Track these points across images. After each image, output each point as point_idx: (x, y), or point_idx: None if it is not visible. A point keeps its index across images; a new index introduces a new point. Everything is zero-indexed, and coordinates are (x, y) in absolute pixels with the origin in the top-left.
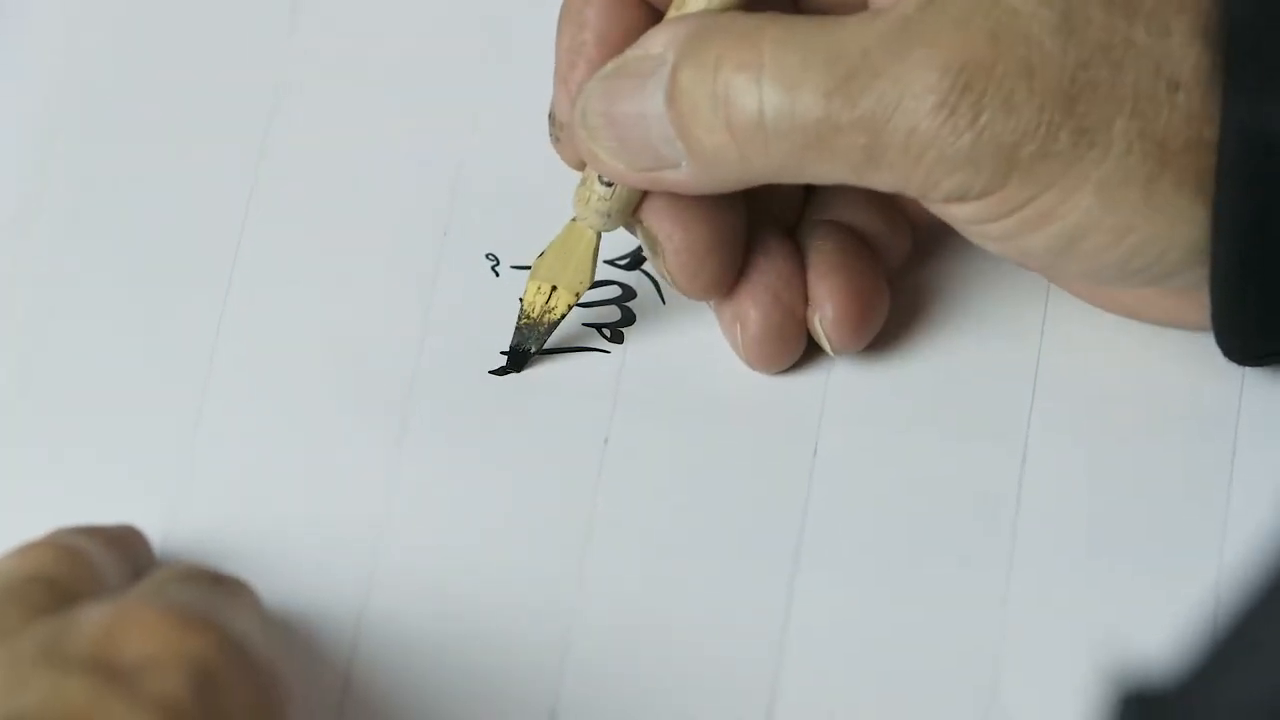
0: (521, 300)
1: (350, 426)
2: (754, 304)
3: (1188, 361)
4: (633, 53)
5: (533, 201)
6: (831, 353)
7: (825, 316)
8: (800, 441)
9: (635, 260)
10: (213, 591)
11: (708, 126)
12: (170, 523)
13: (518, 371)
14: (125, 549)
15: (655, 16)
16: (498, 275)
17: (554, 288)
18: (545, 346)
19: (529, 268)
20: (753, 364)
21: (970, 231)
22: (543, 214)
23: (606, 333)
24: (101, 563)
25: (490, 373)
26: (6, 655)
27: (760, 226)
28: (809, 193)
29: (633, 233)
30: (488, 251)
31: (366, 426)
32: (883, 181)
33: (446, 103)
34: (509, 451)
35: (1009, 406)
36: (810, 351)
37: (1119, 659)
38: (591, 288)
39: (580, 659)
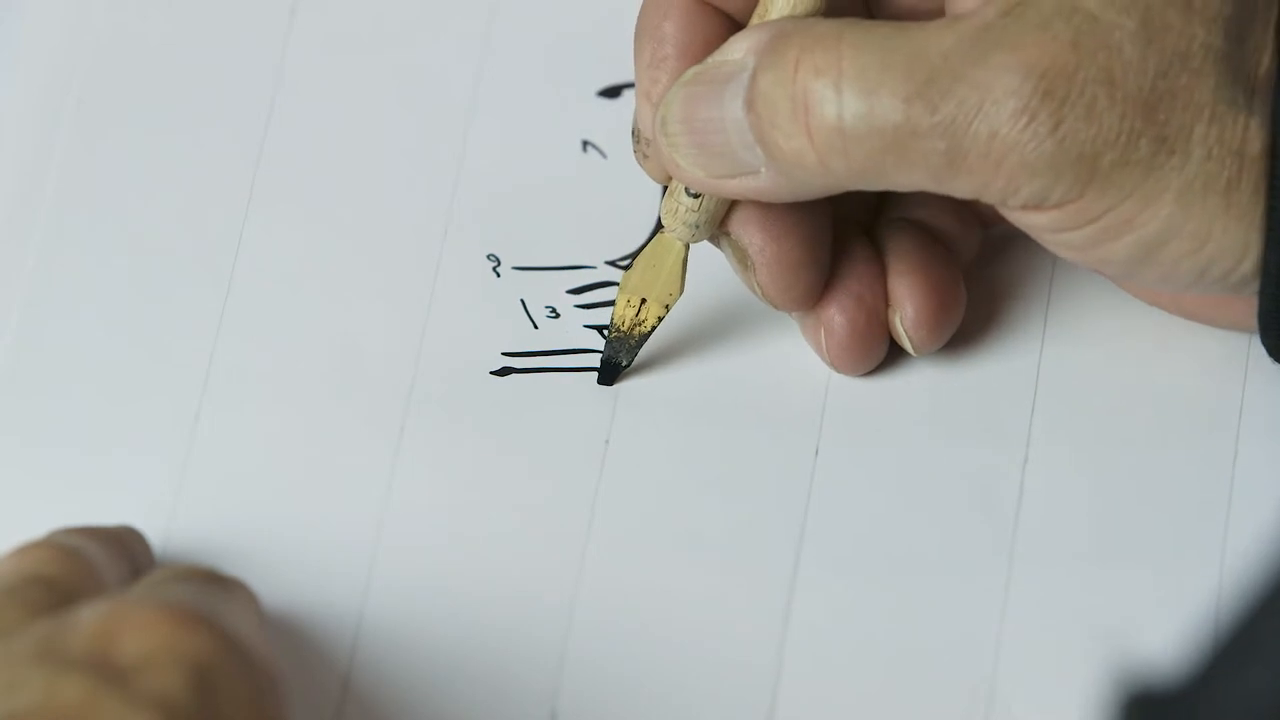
0: (611, 315)
1: (350, 426)
2: (839, 309)
3: (1189, 365)
4: (714, 59)
5: (533, 202)
6: (913, 352)
7: (906, 316)
8: (801, 442)
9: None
10: (210, 590)
11: (786, 131)
12: (170, 523)
13: (609, 385)
14: (124, 549)
15: (733, 26)
16: (498, 276)
17: (644, 300)
18: (548, 348)
19: (531, 269)
20: (839, 368)
21: (1048, 240)
22: (543, 215)
23: (607, 334)
24: (100, 563)
25: (491, 373)
26: (4, 654)
27: (839, 229)
28: (883, 193)
29: (718, 246)
30: (489, 252)
31: (366, 426)
32: (962, 188)
33: (447, 103)
34: (509, 452)
35: (1010, 409)
36: (809, 353)
37: (1124, 660)
38: (594, 288)
39: (581, 659)
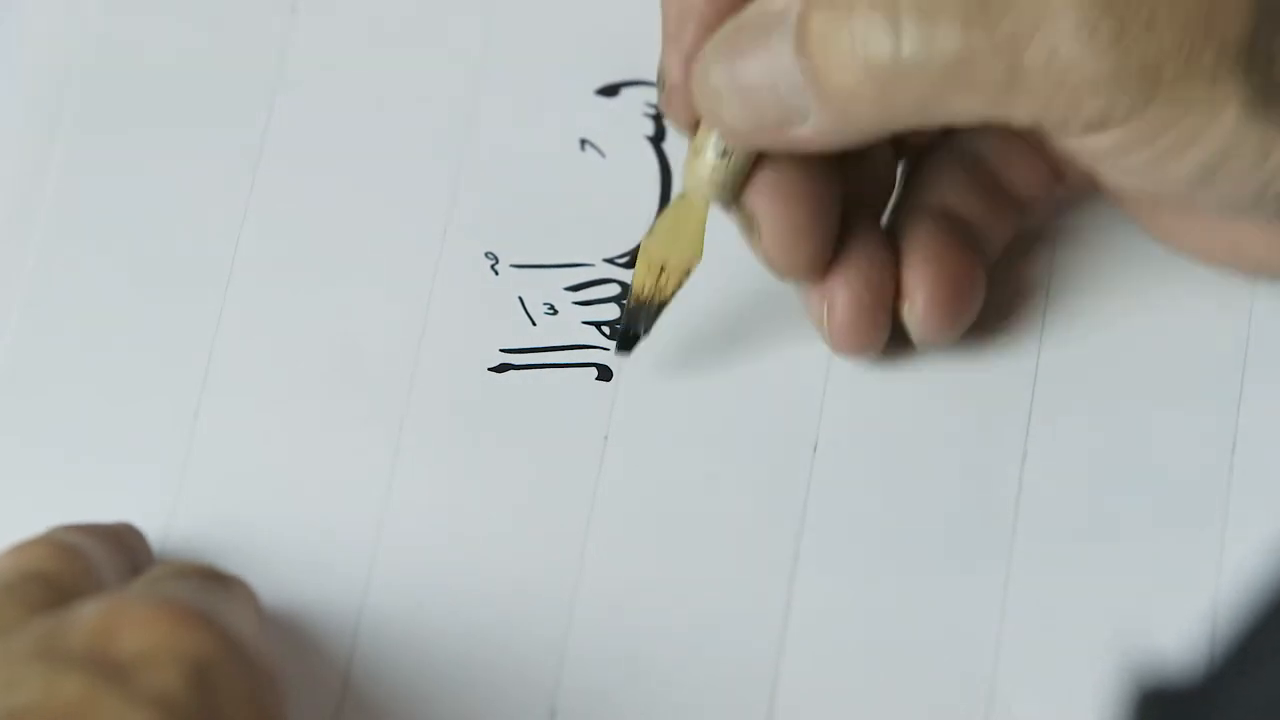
0: (630, 283)
1: (350, 424)
2: (844, 286)
3: (1188, 357)
4: (753, 9)
5: (531, 201)
6: (918, 344)
7: (914, 306)
8: (800, 438)
9: (634, 258)
10: (209, 588)
11: (844, 67)
12: (169, 521)
13: (627, 354)
14: (123, 547)
15: None
16: (497, 274)
17: (663, 267)
18: (547, 345)
19: (529, 266)
20: (838, 348)
21: (1109, 166)
22: (542, 213)
23: (606, 331)
24: (99, 560)
25: (489, 370)
26: (3, 651)
27: (852, 211)
28: (905, 176)
29: (728, 214)
30: (487, 250)
31: (366, 424)
32: (1023, 111)
33: (445, 102)
34: (508, 449)
35: (1009, 404)
36: (808, 348)
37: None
38: (592, 285)
39: (580, 656)
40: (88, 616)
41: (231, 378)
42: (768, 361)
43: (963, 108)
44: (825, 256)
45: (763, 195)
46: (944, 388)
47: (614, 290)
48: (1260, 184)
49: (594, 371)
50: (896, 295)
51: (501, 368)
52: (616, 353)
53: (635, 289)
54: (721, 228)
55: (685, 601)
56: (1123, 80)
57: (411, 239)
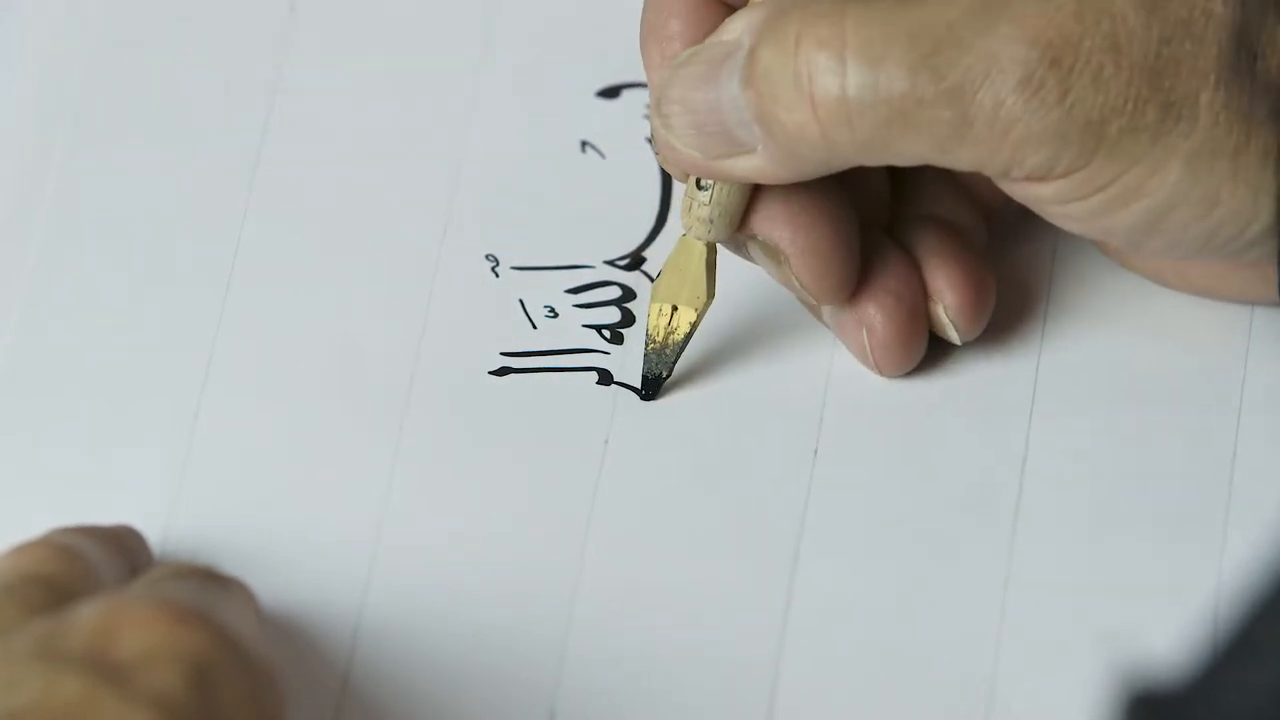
0: (646, 327)
1: (349, 426)
2: (878, 307)
3: (1189, 358)
4: (710, 40)
5: (532, 202)
6: (958, 341)
7: (949, 305)
8: (800, 441)
9: (635, 261)
10: (208, 588)
11: (789, 105)
12: (168, 522)
13: (653, 399)
14: (122, 548)
15: None
16: (497, 276)
17: (674, 308)
18: (547, 348)
19: (529, 268)
20: (883, 369)
21: (1053, 212)
22: (542, 215)
23: (606, 334)
24: (98, 562)
25: (490, 373)
26: (3, 652)
27: (862, 232)
28: (896, 191)
29: (745, 256)
30: (487, 252)
31: (365, 427)
32: (966, 159)
33: (445, 103)
34: (508, 452)
35: (1010, 404)
36: (809, 353)
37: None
38: (593, 287)
39: (579, 659)
40: (87, 617)
41: (231, 378)
42: (769, 366)
43: (907, 151)
44: (854, 274)
45: (781, 224)
46: (945, 392)
47: (615, 293)
48: (1206, 233)
49: (594, 375)
50: (925, 302)
51: (502, 370)
52: (644, 399)
53: (650, 332)
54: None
55: (685, 603)
56: (1066, 135)
57: (411, 240)
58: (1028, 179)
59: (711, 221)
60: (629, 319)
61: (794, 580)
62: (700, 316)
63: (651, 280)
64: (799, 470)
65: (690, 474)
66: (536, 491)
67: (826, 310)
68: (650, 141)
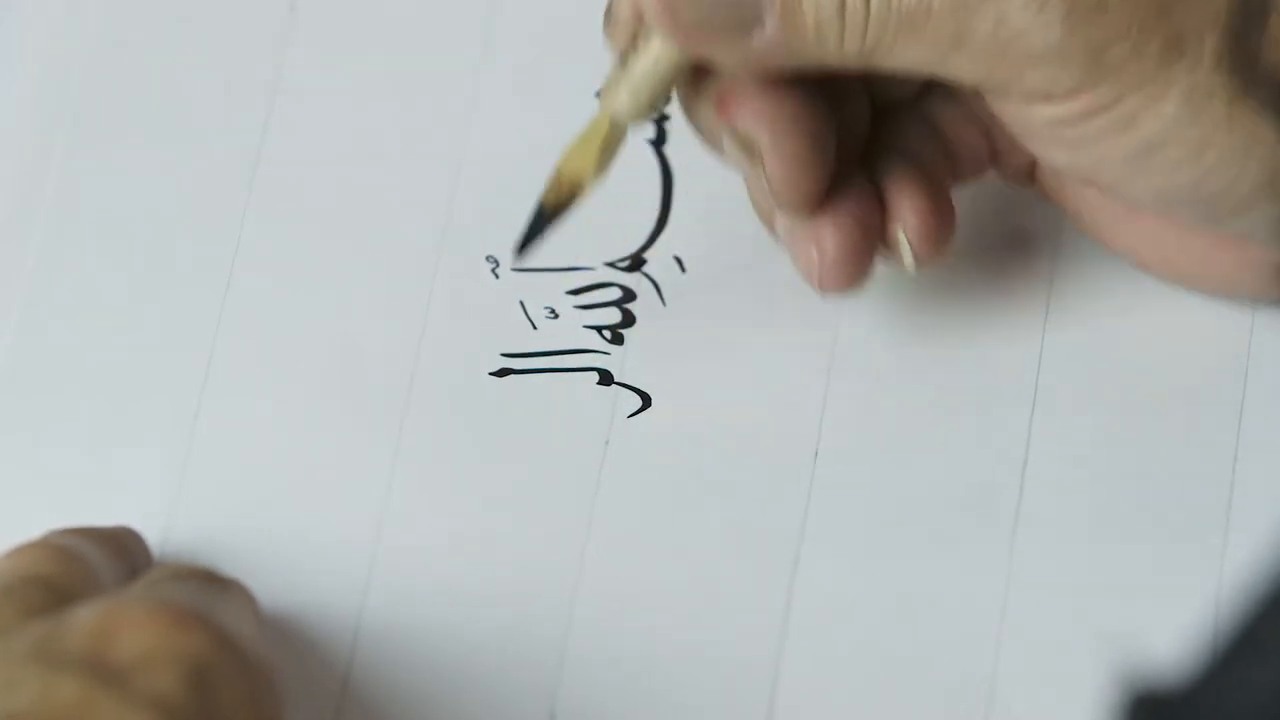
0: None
1: (349, 427)
2: (835, 226)
3: (1190, 359)
4: None
5: (532, 204)
6: (910, 268)
7: (909, 226)
8: (800, 443)
9: (635, 262)
10: (207, 590)
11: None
12: (168, 523)
13: (520, 258)
14: (121, 550)
15: None
16: (497, 277)
17: (563, 176)
18: (547, 349)
19: (529, 270)
20: (824, 289)
21: (1046, 137)
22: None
23: (606, 334)
24: (97, 564)
25: (490, 374)
26: (1, 654)
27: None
28: (875, 126)
29: (715, 147)
30: (487, 253)
31: (365, 427)
32: (966, 71)
33: (446, 103)
34: (508, 453)
35: (1010, 404)
36: (810, 353)
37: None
38: (593, 289)
39: (580, 659)
40: (85, 619)
41: (231, 379)
42: (769, 366)
43: (910, 57)
44: (823, 190)
45: (764, 122)
46: (945, 391)
47: (615, 294)
48: (1193, 180)
49: (595, 376)
50: (882, 233)
51: (502, 372)
52: (513, 257)
53: (544, 197)
54: (711, 227)
55: (685, 604)
56: (1066, 57)
57: (411, 241)
58: (1025, 99)
59: (630, 96)
60: (630, 320)
61: (794, 580)
62: (585, 190)
63: (652, 282)
64: (799, 471)
65: (690, 475)
66: (537, 492)
67: (781, 223)
68: (607, 23)
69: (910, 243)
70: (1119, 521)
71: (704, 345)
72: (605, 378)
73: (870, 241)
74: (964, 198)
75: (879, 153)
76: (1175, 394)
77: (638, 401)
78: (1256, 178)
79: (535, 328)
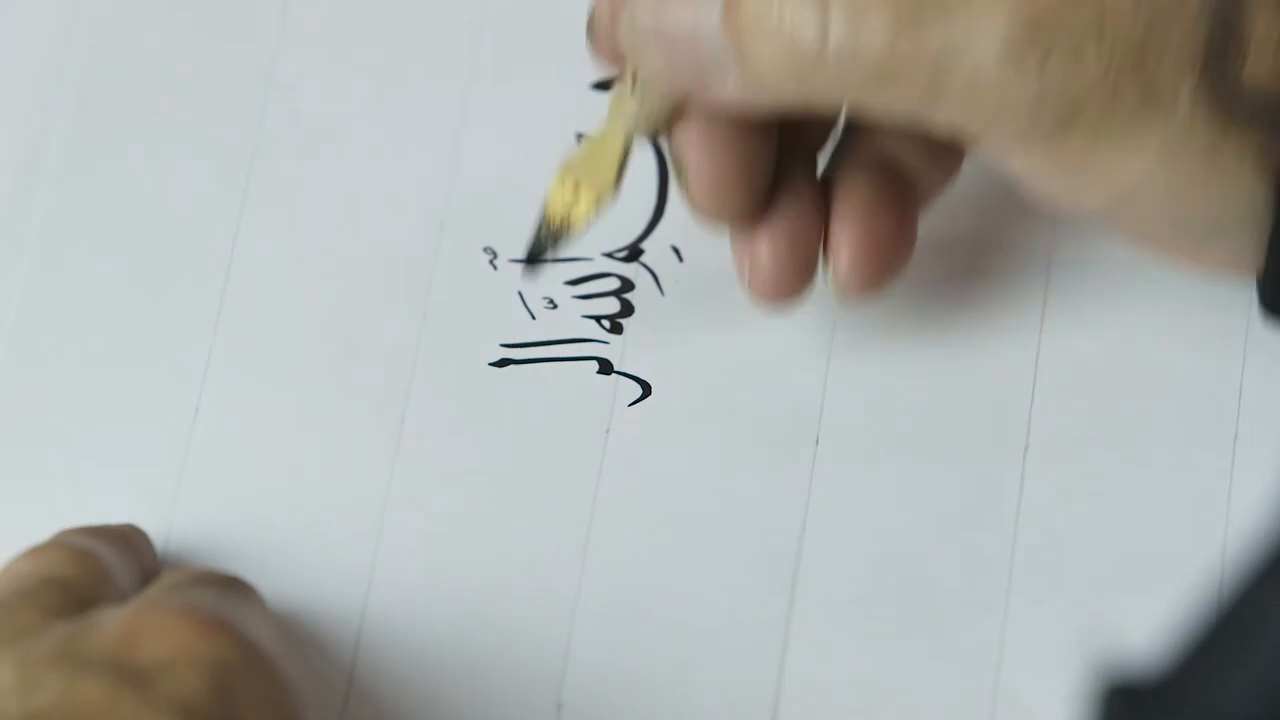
0: (544, 200)
1: (349, 420)
2: (769, 242)
3: (1188, 354)
4: None
5: (530, 195)
6: (838, 302)
7: (837, 265)
8: (802, 429)
9: (633, 252)
10: (227, 594)
11: (766, 52)
12: (170, 522)
13: (532, 274)
14: (131, 548)
15: None
16: (495, 268)
17: (578, 186)
18: (547, 339)
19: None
20: (758, 299)
21: (1024, 180)
22: (539, 207)
23: (605, 324)
24: (111, 564)
25: (490, 365)
26: (23, 656)
27: (788, 157)
28: (846, 119)
29: (662, 147)
30: (485, 245)
31: (366, 420)
32: (939, 122)
33: (442, 96)
34: (509, 443)
35: (1011, 391)
36: (810, 340)
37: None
38: (591, 279)
39: (585, 650)
40: (110, 622)
41: (231, 373)
42: (769, 354)
43: (881, 106)
44: (751, 208)
45: (691, 143)
46: (945, 376)
47: (614, 284)
48: (1173, 224)
49: (595, 365)
50: (820, 250)
51: (502, 362)
52: (523, 273)
53: (549, 209)
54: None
55: (689, 593)
56: (1042, 109)
57: (409, 234)
58: (1002, 148)
59: (639, 118)
60: (628, 309)
61: (798, 566)
62: (602, 206)
63: (651, 272)
64: (801, 458)
65: (692, 462)
66: (538, 482)
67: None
68: (590, 34)
69: (837, 285)
70: (1122, 511)
71: (702, 333)
72: (605, 367)
73: (806, 264)
74: (963, 205)
75: (846, 152)
76: (1173, 387)
77: (638, 390)
78: (1239, 215)
79: (534, 318)
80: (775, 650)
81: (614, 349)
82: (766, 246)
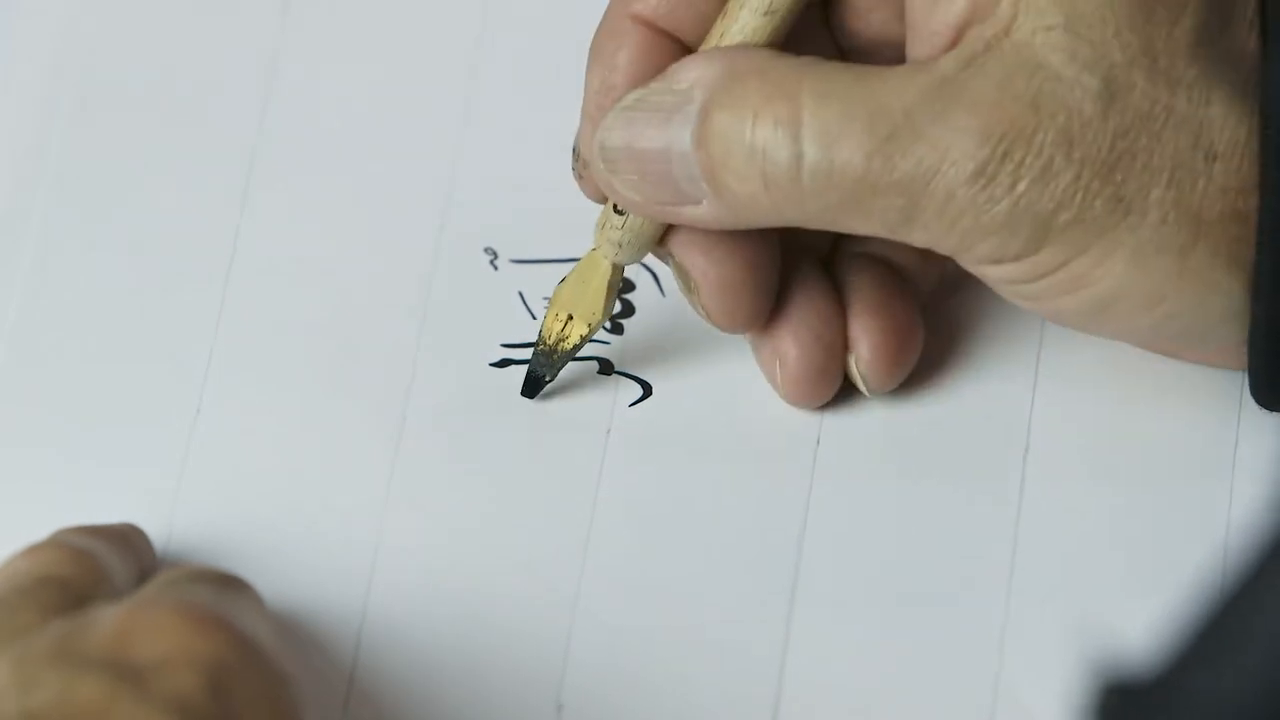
0: (540, 326)
1: (350, 421)
2: (795, 342)
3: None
4: (658, 85)
5: (530, 195)
6: (866, 393)
7: (860, 357)
8: (802, 430)
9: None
10: (224, 592)
11: (740, 175)
12: (170, 522)
13: (532, 398)
14: (130, 548)
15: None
16: (496, 269)
17: (570, 317)
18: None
19: (528, 261)
20: (791, 400)
21: (1004, 290)
22: (540, 208)
23: (606, 324)
24: (109, 563)
25: (491, 365)
26: (21, 654)
27: (795, 257)
28: None
29: (667, 264)
30: (486, 246)
31: (367, 420)
32: (917, 240)
33: (443, 97)
34: (509, 444)
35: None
36: None
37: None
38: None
39: (585, 650)
40: (107, 620)
41: (231, 377)
42: None
43: (859, 228)
44: (766, 310)
45: (697, 252)
46: (946, 374)
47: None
48: (1152, 325)
49: (595, 365)
50: (844, 345)
51: (503, 363)
52: (523, 394)
53: (542, 335)
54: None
55: (689, 592)
56: (1014, 226)
57: (410, 235)
58: (977, 263)
59: (621, 246)
60: (628, 309)
61: (799, 566)
62: (592, 331)
63: (651, 272)
64: (801, 457)
65: (692, 462)
66: (539, 481)
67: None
68: (574, 163)
69: (863, 376)
70: (1121, 519)
71: (703, 334)
72: (605, 367)
73: (833, 357)
74: None
75: (847, 252)
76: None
77: (638, 390)
78: (1219, 316)
79: (535, 318)
80: (775, 650)
81: (614, 349)
82: (792, 344)
